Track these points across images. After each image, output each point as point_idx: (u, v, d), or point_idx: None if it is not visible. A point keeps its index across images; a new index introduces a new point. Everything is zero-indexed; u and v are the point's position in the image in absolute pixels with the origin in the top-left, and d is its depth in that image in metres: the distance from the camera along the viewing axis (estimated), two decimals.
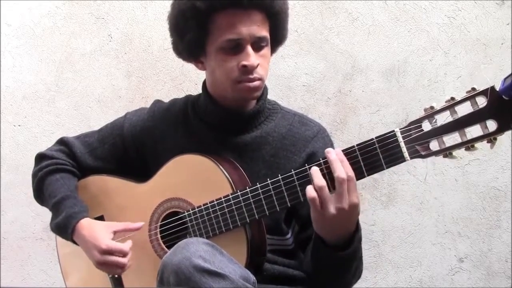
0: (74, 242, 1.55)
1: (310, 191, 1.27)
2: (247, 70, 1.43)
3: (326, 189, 1.27)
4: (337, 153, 1.29)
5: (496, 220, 2.39)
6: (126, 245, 1.48)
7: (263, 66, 1.46)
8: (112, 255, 1.46)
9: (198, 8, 1.42)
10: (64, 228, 1.53)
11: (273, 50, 1.55)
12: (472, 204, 2.40)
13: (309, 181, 1.31)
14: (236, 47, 1.43)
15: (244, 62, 1.42)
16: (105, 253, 1.46)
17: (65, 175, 1.62)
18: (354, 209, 1.27)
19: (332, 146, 1.58)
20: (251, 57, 1.42)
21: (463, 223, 2.40)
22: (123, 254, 1.47)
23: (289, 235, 1.57)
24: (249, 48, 1.43)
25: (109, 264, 1.47)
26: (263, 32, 1.45)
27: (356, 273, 1.44)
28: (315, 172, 1.29)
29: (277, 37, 1.53)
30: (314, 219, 1.31)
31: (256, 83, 1.45)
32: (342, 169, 1.26)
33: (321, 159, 1.32)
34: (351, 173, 1.26)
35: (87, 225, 1.52)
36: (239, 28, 1.41)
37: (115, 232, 1.52)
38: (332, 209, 1.26)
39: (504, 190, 2.38)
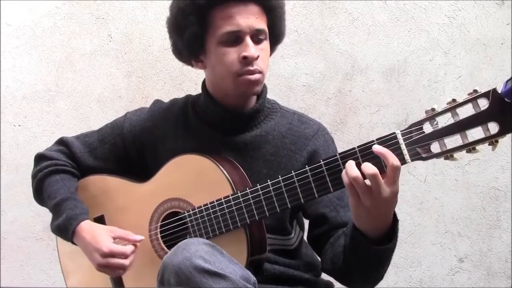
0: (74, 244, 1.55)
1: (346, 179, 1.23)
2: (248, 61, 1.44)
3: (361, 179, 1.21)
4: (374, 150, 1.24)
5: (496, 220, 2.39)
6: (128, 248, 1.48)
7: (263, 60, 1.47)
8: (114, 257, 1.47)
9: (197, 4, 1.44)
10: (65, 230, 1.53)
11: (272, 48, 1.55)
12: (472, 204, 2.40)
13: (309, 182, 1.32)
14: (235, 40, 1.44)
15: (245, 53, 1.43)
16: (107, 256, 1.46)
17: (64, 176, 1.62)
18: (388, 199, 1.22)
19: (332, 143, 1.59)
20: (251, 48, 1.43)
21: (463, 223, 2.40)
22: (125, 256, 1.47)
23: (292, 235, 1.57)
24: (249, 40, 1.44)
25: (111, 267, 1.47)
26: (262, 24, 1.46)
27: (387, 268, 1.41)
28: (348, 164, 1.24)
29: (275, 33, 1.53)
30: (353, 207, 1.27)
31: (257, 75, 1.46)
32: (369, 165, 1.22)
33: (321, 160, 1.31)
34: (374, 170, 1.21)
35: (88, 228, 1.52)
36: (238, 20, 1.43)
37: (115, 238, 1.52)
38: (368, 199, 1.22)
39: (504, 190, 2.38)
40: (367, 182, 1.21)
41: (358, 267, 1.37)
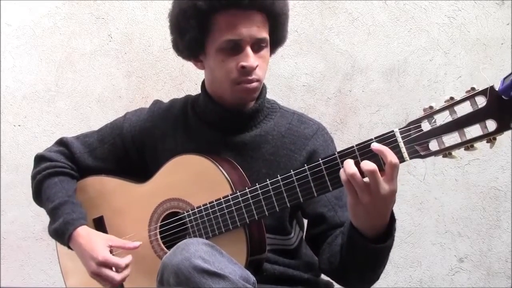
0: (70, 248, 1.55)
1: (344, 176, 1.23)
2: (246, 71, 1.43)
3: (358, 176, 1.21)
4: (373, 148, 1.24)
5: (496, 220, 2.39)
6: (123, 261, 1.47)
7: (261, 68, 1.46)
8: (107, 268, 1.46)
9: (199, 8, 1.42)
10: (62, 234, 1.53)
11: (272, 51, 1.55)
12: (472, 204, 2.40)
13: (309, 181, 1.32)
14: (235, 48, 1.43)
15: (243, 63, 1.42)
16: (101, 265, 1.45)
17: (63, 179, 1.62)
18: (386, 196, 1.22)
19: (332, 143, 1.59)
20: (250, 58, 1.42)
21: (463, 223, 2.40)
22: (119, 269, 1.46)
23: (292, 235, 1.57)
24: (249, 49, 1.43)
25: (103, 277, 1.46)
26: (263, 33, 1.45)
27: (383, 269, 1.40)
28: (346, 162, 1.24)
29: (276, 39, 1.53)
30: (350, 205, 1.26)
31: (254, 84, 1.46)
32: (368, 162, 1.21)
33: (320, 159, 1.31)
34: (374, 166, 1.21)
35: (85, 234, 1.51)
36: (239, 28, 1.41)
37: (111, 246, 1.51)
38: (366, 196, 1.22)
39: (504, 190, 2.38)
40: (366, 179, 1.21)
41: (355, 266, 1.37)
